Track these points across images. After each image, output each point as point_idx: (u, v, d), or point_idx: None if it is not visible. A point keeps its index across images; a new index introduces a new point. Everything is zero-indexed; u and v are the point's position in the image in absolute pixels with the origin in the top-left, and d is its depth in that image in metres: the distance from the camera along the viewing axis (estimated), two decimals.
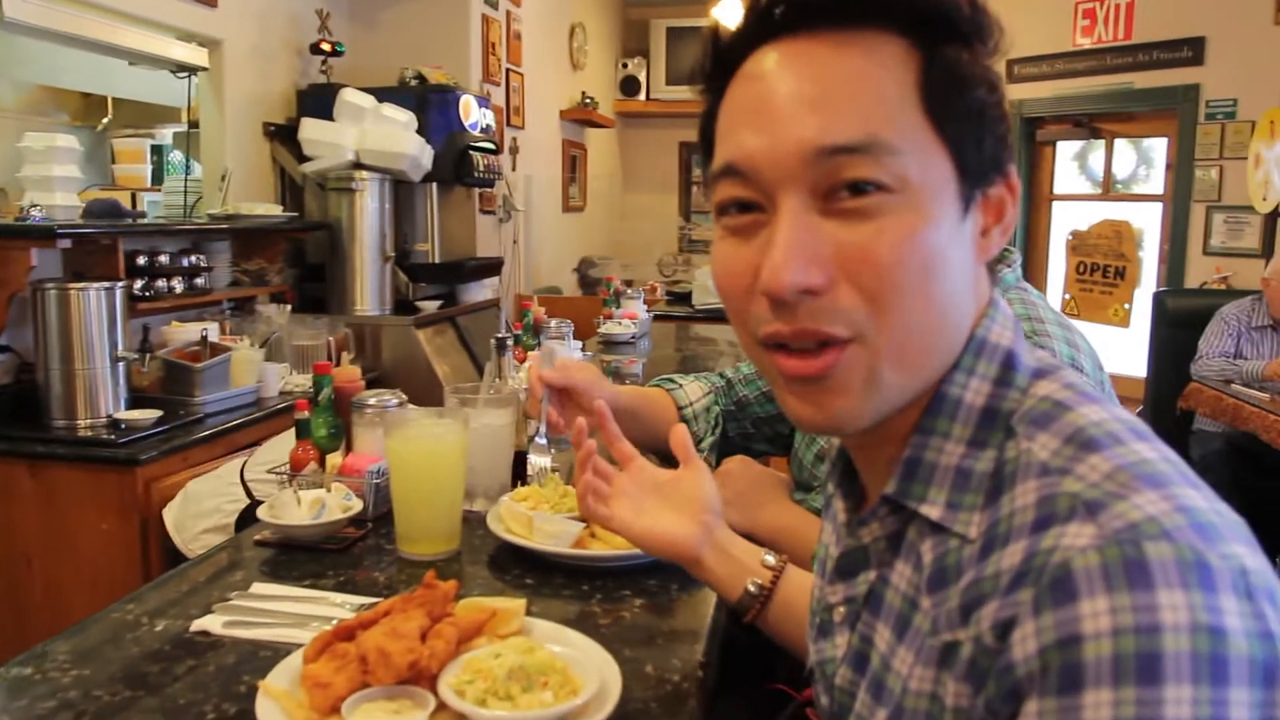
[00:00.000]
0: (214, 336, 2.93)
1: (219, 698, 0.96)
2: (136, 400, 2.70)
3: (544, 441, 1.49)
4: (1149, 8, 5.71)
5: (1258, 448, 3.60)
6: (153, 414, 2.58)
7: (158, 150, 4.74)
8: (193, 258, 3.24)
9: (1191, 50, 5.54)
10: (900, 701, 0.64)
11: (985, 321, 0.67)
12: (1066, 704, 0.49)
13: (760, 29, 0.65)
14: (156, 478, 2.43)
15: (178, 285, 3.15)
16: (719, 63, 0.68)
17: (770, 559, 1.05)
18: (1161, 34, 5.65)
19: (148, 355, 2.79)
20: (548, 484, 1.44)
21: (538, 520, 1.32)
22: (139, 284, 2.97)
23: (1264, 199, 4.76)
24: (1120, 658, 0.48)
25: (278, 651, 1.02)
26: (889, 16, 0.63)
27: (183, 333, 2.97)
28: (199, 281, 3.26)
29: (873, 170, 0.60)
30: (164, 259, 3.10)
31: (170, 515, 2.28)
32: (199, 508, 2.20)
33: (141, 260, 3.01)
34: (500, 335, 1.58)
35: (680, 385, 1.74)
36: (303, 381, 3.09)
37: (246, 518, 1.96)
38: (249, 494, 2.02)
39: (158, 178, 4.59)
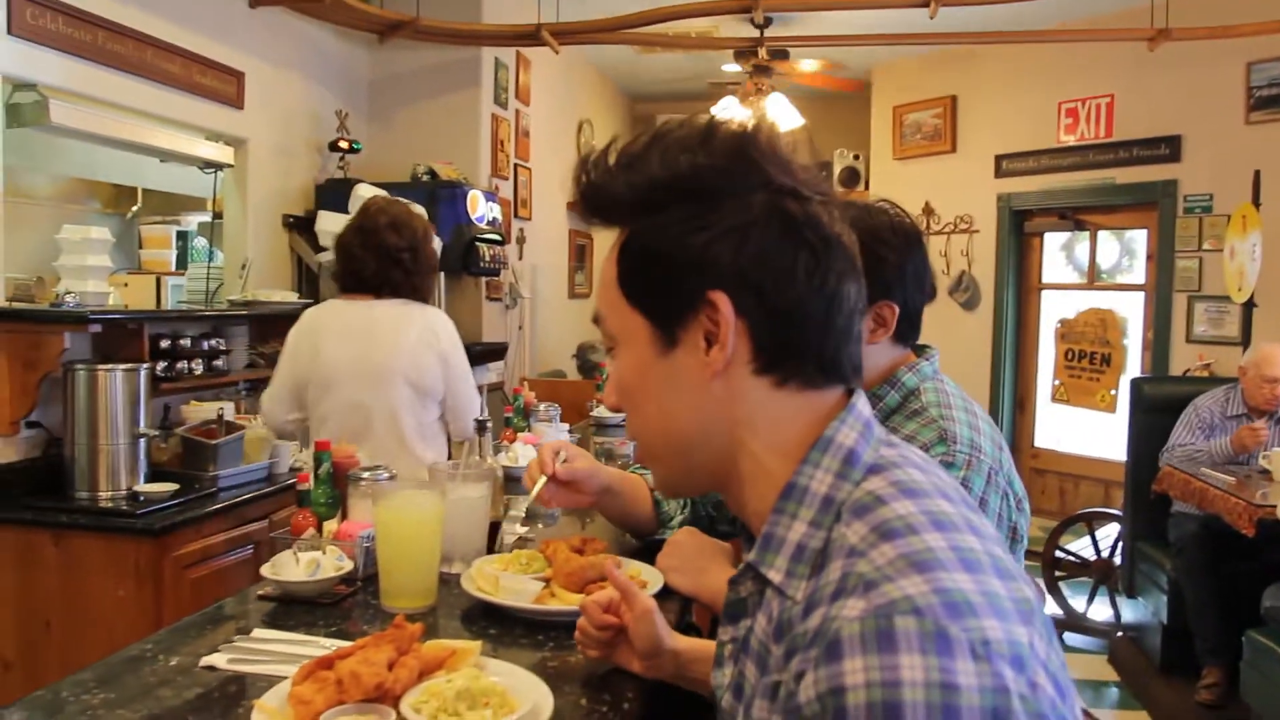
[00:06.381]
0: (230, 415, 3.14)
1: (221, 718, 1.14)
2: (156, 474, 2.91)
3: (529, 512, 1.68)
4: (1128, 108, 6.01)
5: (1228, 530, 3.61)
6: (170, 487, 2.79)
7: (183, 236, 4.96)
8: (212, 341, 3.47)
9: (1169, 148, 5.81)
10: None
11: (835, 423, 0.83)
12: None
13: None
14: (172, 547, 2.62)
15: (197, 367, 3.37)
16: None
17: None
18: (1140, 132, 5.93)
19: (167, 432, 3.00)
20: (515, 555, 1.63)
21: (503, 579, 1.51)
22: (161, 366, 3.19)
23: (1239, 289, 4.93)
24: (871, 705, 0.63)
25: (272, 682, 1.20)
26: (605, 216, 0.88)
27: (200, 411, 3.19)
28: (217, 363, 3.49)
29: (604, 330, 0.88)
30: (185, 342, 3.33)
31: None
32: None
33: (165, 344, 3.24)
34: (480, 418, 1.77)
35: None
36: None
37: None
38: None
39: (182, 262, 4.81)
